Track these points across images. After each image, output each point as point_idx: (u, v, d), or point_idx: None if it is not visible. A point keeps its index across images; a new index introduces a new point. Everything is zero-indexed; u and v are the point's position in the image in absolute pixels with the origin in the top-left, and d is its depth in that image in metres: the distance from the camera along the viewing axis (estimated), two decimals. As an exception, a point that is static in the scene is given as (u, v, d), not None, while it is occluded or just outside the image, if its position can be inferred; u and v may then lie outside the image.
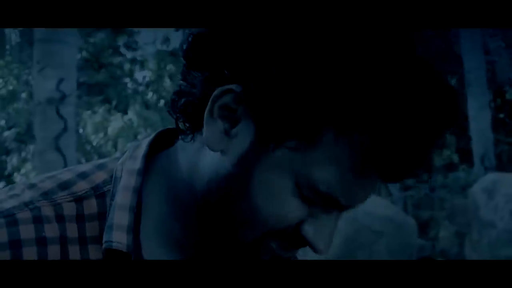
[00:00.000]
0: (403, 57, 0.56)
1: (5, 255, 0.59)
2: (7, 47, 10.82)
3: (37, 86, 4.94)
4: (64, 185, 0.64)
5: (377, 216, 5.16)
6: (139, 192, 0.64)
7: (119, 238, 0.61)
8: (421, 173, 0.60)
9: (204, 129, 0.60)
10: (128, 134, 10.57)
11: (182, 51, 0.62)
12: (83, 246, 0.62)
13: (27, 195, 0.62)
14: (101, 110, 11.04)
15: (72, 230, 0.62)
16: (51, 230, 0.61)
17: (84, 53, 11.30)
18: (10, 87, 10.95)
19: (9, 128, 10.72)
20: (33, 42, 5.13)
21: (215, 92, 0.59)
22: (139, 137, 10.41)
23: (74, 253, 0.61)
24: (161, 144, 0.68)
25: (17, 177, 9.84)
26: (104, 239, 0.61)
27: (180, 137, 0.64)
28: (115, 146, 10.61)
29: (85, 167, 0.66)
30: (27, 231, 0.60)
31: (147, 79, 11.87)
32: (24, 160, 10.35)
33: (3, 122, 10.65)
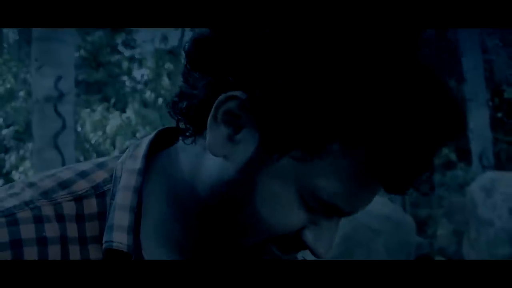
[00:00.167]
0: (411, 71, 0.56)
1: (6, 255, 0.59)
2: (5, 45, 10.80)
3: (35, 84, 4.93)
4: (64, 184, 0.63)
5: (375, 214, 5.16)
6: (139, 192, 0.64)
7: (119, 239, 0.61)
8: (423, 179, 0.60)
9: (208, 134, 0.60)
10: (127, 132, 10.56)
11: (185, 53, 0.62)
12: (83, 246, 0.62)
13: (27, 194, 0.62)
14: (99, 108, 11.03)
15: (72, 230, 0.62)
16: (51, 230, 0.61)
17: (82, 52, 11.28)
18: (8, 85, 10.93)
19: (8, 127, 10.70)
20: (31, 40, 5.12)
21: (220, 98, 0.58)
22: (137, 135, 10.40)
23: (74, 252, 0.61)
24: (162, 143, 0.67)
25: (15, 175, 9.82)
26: (104, 239, 0.61)
27: (181, 138, 0.64)
28: (113, 144, 10.60)
29: (85, 165, 0.66)
30: (27, 231, 0.60)
31: (145, 77, 11.86)
32: (22, 158, 10.34)
33: (1, 121, 10.63)
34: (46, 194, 0.62)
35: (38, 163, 4.83)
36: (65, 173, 0.65)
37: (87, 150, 10.40)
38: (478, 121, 8.54)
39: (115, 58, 11.87)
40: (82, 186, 0.64)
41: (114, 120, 10.84)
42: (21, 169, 9.93)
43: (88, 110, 10.95)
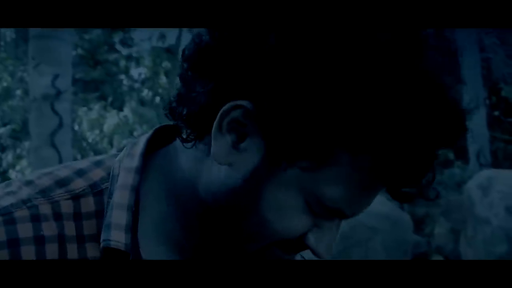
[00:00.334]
0: (416, 79, 0.56)
1: (3, 254, 0.59)
2: (2, 43, 10.78)
3: (32, 82, 4.93)
4: (62, 183, 0.63)
5: (373, 213, 5.16)
6: (137, 190, 0.63)
7: (117, 237, 0.61)
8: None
9: (212, 143, 0.59)
10: (124, 131, 10.56)
11: (185, 56, 0.61)
12: (81, 245, 0.62)
13: (24, 193, 0.62)
14: (96, 106, 11.02)
15: (69, 228, 0.62)
16: (49, 229, 0.61)
17: (80, 50, 11.27)
18: (5, 84, 10.91)
19: (4, 125, 10.69)
20: (28, 38, 5.11)
21: (225, 107, 0.58)
22: (135, 134, 10.39)
23: (72, 251, 0.61)
24: (159, 141, 0.67)
25: (12, 174, 9.81)
26: (102, 238, 0.61)
27: (181, 142, 0.63)
28: (110, 143, 10.60)
29: (82, 164, 0.66)
30: (25, 230, 0.60)
31: (142, 76, 11.85)
32: (19, 157, 10.33)
33: (-2, 119, 10.62)
34: (43, 192, 0.62)
35: (35, 162, 4.82)
36: (63, 171, 0.64)
37: (84, 149, 10.40)
38: (476, 119, 8.55)
39: (112, 56, 11.85)
40: (79, 184, 0.63)
41: (112, 119, 10.83)
42: (18, 167, 9.92)
43: (85, 108, 10.94)
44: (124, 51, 11.82)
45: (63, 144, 4.81)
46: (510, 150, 10.23)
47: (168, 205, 0.64)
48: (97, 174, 0.64)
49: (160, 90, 11.36)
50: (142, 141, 0.66)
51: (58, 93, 4.77)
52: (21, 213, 0.60)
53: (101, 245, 0.61)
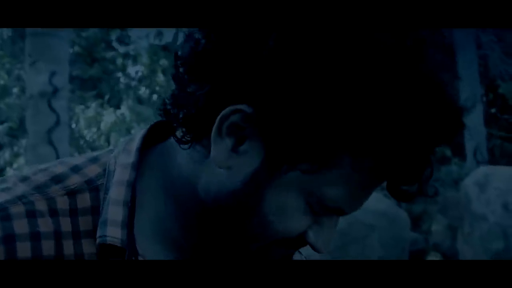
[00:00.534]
0: (416, 81, 0.56)
1: None
2: (-1, 41, 10.75)
3: (29, 80, 4.92)
4: (57, 179, 0.63)
5: (370, 210, 5.17)
6: (133, 186, 0.63)
7: (113, 233, 0.61)
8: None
9: (212, 147, 0.59)
10: (121, 129, 10.54)
11: (179, 58, 0.60)
12: (77, 240, 0.61)
13: (20, 189, 0.62)
14: (93, 104, 11.00)
15: (65, 225, 0.61)
16: (44, 225, 0.60)
17: (77, 48, 11.24)
18: (1, 82, 10.89)
19: (1, 123, 10.67)
20: (25, 36, 5.10)
21: (224, 112, 0.58)
22: (132, 132, 10.37)
23: (68, 247, 0.61)
24: (155, 137, 0.67)
25: (9, 172, 9.79)
26: (98, 234, 0.61)
27: (175, 141, 0.62)
28: (107, 140, 10.58)
29: (78, 160, 0.66)
30: (20, 226, 0.60)
31: (140, 74, 11.83)
32: (16, 155, 10.31)
33: (-5, 117, 10.59)
34: (39, 188, 0.62)
35: (32, 159, 4.82)
36: (58, 168, 0.64)
37: (82, 147, 10.38)
38: (473, 116, 8.56)
39: (109, 54, 11.83)
40: (75, 180, 0.63)
41: (109, 117, 10.82)
42: (15, 165, 9.90)
43: (82, 106, 10.92)
44: (121, 49, 11.80)
45: (60, 141, 4.80)
46: (507, 147, 10.25)
47: (165, 203, 0.64)
48: (93, 170, 0.64)
49: (157, 88, 11.35)
50: (138, 137, 0.66)
51: (55, 91, 4.77)
52: (17, 209, 0.60)
53: (97, 241, 0.61)
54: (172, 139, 0.65)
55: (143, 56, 11.57)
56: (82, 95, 11.08)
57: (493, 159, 9.37)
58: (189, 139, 0.61)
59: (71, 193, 0.63)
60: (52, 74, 4.75)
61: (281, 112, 0.56)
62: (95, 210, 0.63)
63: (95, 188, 0.63)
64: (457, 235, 6.09)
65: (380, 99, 0.56)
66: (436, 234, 6.66)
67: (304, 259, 0.74)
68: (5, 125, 10.60)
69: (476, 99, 8.65)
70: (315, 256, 0.68)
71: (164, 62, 11.22)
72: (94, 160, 0.66)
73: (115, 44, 11.71)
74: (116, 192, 0.62)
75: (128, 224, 0.62)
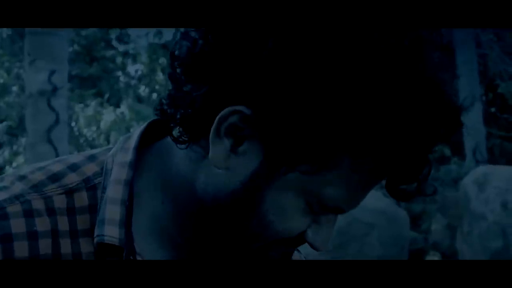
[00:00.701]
0: (416, 82, 0.56)
1: None
2: (-2, 40, 10.74)
3: (28, 78, 4.91)
4: (55, 177, 0.63)
5: (370, 209, 5.17)
6: (130, 185, 0.63)
7: (111, 232, 0.61)
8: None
9: (210, 148, 0.59)
10: (121, 127, 10.54)
11: (175, 58, 0.60)
12: (74, 240, 0.61)
13: (17, 188, 0.62)
14: (93, 103, 11.00)
15: (63, 223, 0.61)
16: (42, 224, 0.60)
17: (76, 46, 11.24)
18: (1, 80, 10.88)
19: (1, 122, 10.66)
20: (24, 34, 5.10)
21: (223, 113, 0.57)
22: (131, 130, 10.35)
23: (65, 246, 0.61)
24: (153, 134, 0.67)
25: (9, 170, 9.79)
26: (96, 233, 0.61)
27: (172, 141, 0.62)
28: (107, 139, 10.58)
29: (75, 158, 0.65)
30: (18, 225, 0.60)
31: (139, 72, 11.82)
32: (16, 154, 10.30)
33: (-6, 116, 10.59)
34: (36, 187, 0.62)
35: (32, 158, 4.82)
36: (56, 166, 0.64)
37: (81, 145, 10.38)
38: (472, 116, 8.56)
39: (109, 53, 11.82)
40: (72, 179, 0.63)
41: (108, 115, 10.81)
42: (14, 164, 9.90)
43: (82, 105, 10.92)
44: (121, 48, 11.79)
45: (60, 140, 4.80)
46: (506, 146, 10.25)
47: (163, 202, 0.64)
48: (91, 168, 0.64)
49: (157, 87, 11.34)
50: (135, 135, 0.66)
51: (55, 89, 4.76)
52: (14, 208, 0.60)
53: (95, 240, 0.61)
54: (170, 138, 0.64)
55: (143, 55, 11.56)
56: (82, 94, 11.07)
57: (493, 159, 9.37)
58: (186, 139, 0.61)
59: (69, 192, 0.62)
60: (52, 72, 4.75)
61: (280, 114, 0.56)
62: (93, 209, 0.62)
63: (93, 186, 0.63)
64: (456, 234, 6.10)
65: (379, 99, 0.56)
66: (436, 233, 6.66)
67: (303, 258, 0.74)
68: (5, 123, 10.60)
69: (475, 98, 8.65)
70: (314, 255, 0.68)
71: (163, 60, 11.21)
72: (91, 158, 0.65)
73: (114, 42, 11.70)
74: (114, 191, 0.62)
75: (126, 223, 0.62)
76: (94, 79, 11.47)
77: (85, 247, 0.61)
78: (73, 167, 0.64)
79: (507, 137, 10.27)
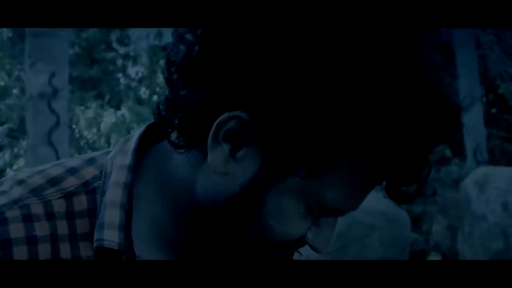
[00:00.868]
0: (414, 82, 0.56)
1: None
2: (-1, 42, 10.75)
3: (29, 81, 4.91)
4: (54, 181, 0.63)
5: (370, 210, 5.17)
6: (130, 188, 0.63)
7: (110, 237, 0.61)
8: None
9: (209, 154, 0.59)
10: (121, 129, 10.54)
11: (172, 62, 0.60)
12: (74, 244, 0.61)
13: (16, 192, 0.61)
14: (93, 105, 11.01)
15: (62, 228, 0.61)
16: (41, 228, 0.60)
17: (77, 48, 11.24)
18: (2, 83, 10.89)
19: (1, 124, 10.67)
20: (24, 36, 5.10)
21: (221, 118, 0.57)
22: (132, 132, 10.35)
23: (65, 250, 0.61)
24: (153, 136, 0.66)
25: (9, 173, 9.79)
26: (95, 237, 0.61)
27: (170, 146, 0.62)
28: (108, 141, 10.58)
29: (74, 161, 0.65)
30: (17, 230, 0.59)
31: (140, 74, 11.83)
32: (16, 156, 10.31)
33: (-5, 118, 10.59)
34: (35, 191, 0.62)
35: (32, 160, 4.82)
36: (55, 170, 0.64)
37: (82, 147, 10.38)
38: (473, 116, 8.56)
39: (109, 55, 11.83)
40: (71, 183, 0.63)
41: (109, 117, 10.82)
42: (15, 166, 9.90)
43: (82, 107, 10.92)
44: (121, 50, 11.80)
45: (60, 142, 4.80)
46: (507, 147, 10.25)
47: (162, 205, 0.63)
48: (89, 172, 0.64)
49: (157, 89, 11.34)
50: (134, 137, 0.65)
51: (55, 92, 4.77)
52: (13, 213, 0.60)
53: (94, 244, 0.61)
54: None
55: (143, 57, 11.57)
56: (82, 96, 11.08)
57: (493, 159, 9.37)
58: (184, 143, 0.61)
59: (68, 196, 0.62)
60: (52, 75, 4.75)
61: (278, 118, 0.56)
62: (92, 213, 0.62)
63: (92, 190, 0.63)
64: (457, 235, 6.09)
65: (378, 102, 0.55)
66: (436, 234, 6.65)
67: (304, 259, 0.74)
68: (5, 126, 10.60)
69: (475, 98, 8.64)
70: (315, 256, 0.68)
71: (164, 62, 11.19)
72: (90, 161, 0.65)
73: (115, 44, 11.71)
74: (113, 194, 0.62)
75: (126, 226, 0.62)
76: (94, 81, 11.48)
77: (85, 251, 0.61)
78: (72, 171, 0.64)
79: (508, 138, 10.26)
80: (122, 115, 10.94)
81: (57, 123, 4.76)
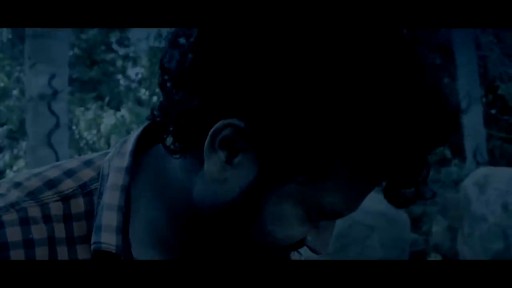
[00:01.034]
0: (413, 86, 0.56)
1: None
2: (-1, 43, 10.75)
3: (28, 82, 4.91)
4: (51, 184, 0.62)
5: (370, 211, 5.16)
6: (127, 190, 0.63)
7: (108, 240, 0.60)
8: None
9: (205, 162, 0.58)
10: (121, 130, 10.54)
11: (165, 69, 0.59)
12: (71, 247, 0.61)
13: (13, 195, 0.61)
14: (93, 106, 11.00)
15: (59, 231, 0.61)
16: (38, 232, 0.60)
17: (76, 50, 11.25)
18: (1, 84, 10.89)
19: (1, 125, 10.67)
20: (24, 38, 5.10)
21: (216, 126, 0.57)
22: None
23: (62, 253, 0.61)
24: (150, 138, 0.66)
25: (9, 174, 9.79)
26: (92, 240, 0.61)
27: (166, 151, 0.61)
28: (107, 142, 10.58)
29: (72, 163, 0.65)
30: (13, 234, 0.59)
31: (139, 75, 11.83)
32: (16, 157, 10.31)
33: (-5, 119, 10.59)
34: (32, 194, 0.61)
35: (32, 162, 4.82)
36: (52, 172, 0.64)
37: (82, 149, 10.38)
38: (472, 117, 8.56)
39: (109, 56, 11.83)
40: (68, 185, 0.63)
41: (109, 119, 10.82)
42: (15, 168, 9.90)
43: (82, 108, 10.92)
44: (121, 51, 11.80)
45: (60, 144, 4.80)
46: (506, 148, 10.25)
47: (160, 208, 0.63)
48: (87, 174, 0.64)
49: (157, 90, 11.31)
50: (132, 139, 0.65)
51: (55, 93, 4.77)
52: (10, 216, 0.60)
53: (92, 247, 0.60)
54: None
55: (143, 58, 11.57)
56: (82, 97, 11.08)
57: (493, 160, 9.37)
58: (177, 149, 0.60)
59: (65, 199, 0.62)
60: (52, 76, 4.75)
61: (273, 126, 0.55)
62: (89, 215, 0.62)
63: (89, 192, 0.63)
64: (457, 236, 6.09)
65: (375, 106, 0.55)
66: (436, 235, 6.65)
67: (304, 259, 0.74)
68: (5, 127, 10.60)
69: (473, 100, 8.64)
70: (315, 256, 0.68)
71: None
72: (88, 163, 0.65)
73: (114, 46, 11.72)
74: (110, 197, 0.62)
75: (123, 229, 0.61)
76: (94, 83, 11.48)
77: (82, 254, 0.61)
78: (69, 173, 0.64)
79: (508, 139, 10.26)
80: (122, 116, 10.94)
81: (57, 125, 4.76)
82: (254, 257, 0.62)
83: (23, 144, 9.54)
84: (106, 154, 0.66)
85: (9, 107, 10.74)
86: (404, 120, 0.56)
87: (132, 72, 11.92)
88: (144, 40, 11.04)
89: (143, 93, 11.74)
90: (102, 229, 0.61)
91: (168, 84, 0.59)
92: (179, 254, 0.64)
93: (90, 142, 10.70)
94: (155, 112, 0.61)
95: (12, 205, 0.60)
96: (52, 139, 4.74)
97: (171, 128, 0.59)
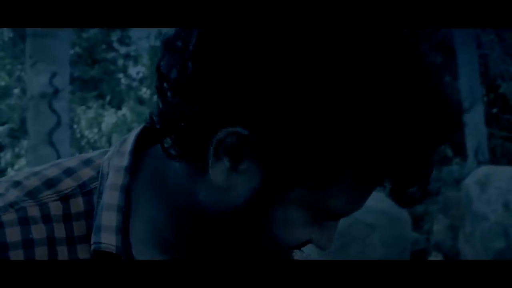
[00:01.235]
0: (414, 86, 0.56)
1: None
2: (0, 42, 10.76)
3: (30, 81, 4.92)
4: (50, 183, 0.62)
5: (371, 210, 5.16)
6: (127, 190, 0.62)
7: (108, 240, 0.60)
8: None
9: (210, 169, 0.58)
10: (122, 129, 10.54)
11: (163, 75, 0.58)
12: (71, 247, 0.61)
13: (12, 195, 0.61)
14: (94, 105, 11.01)
15: (59, 230, 0.61)
16: (38, 232, 0.60)
17: (77, 48, 11.25)
18: (3, 83, 10.90)
19: (2, 124, 10.68)
20: (25, 37, 5.10)
21: (220, 135, 0.56)
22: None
23: (62, 253, 0.60)
24: (150, 137, 0.65)
25: (11, 173, 9.80)
26: (92, 240, 0.60)
27: (167, 157, 0.60)
28: (109, 141, 10.58)
29: (71, 162, 0.64)
30: (13, 234, 0.59)
31: (141, 74, 11.83)
32: (17, 156, 10.31)
33: (-4, 118, 10.60)
34: (31, 194, 0.61)
35: (33, 160, 4.82)
36: (51, 171, 0.63)
37: (83, 147, 10.38)
38: (474, 116, 8.55)
39: (110, 55, 11.84)
40: (68, 184, 0.62)
41: (110, 117, 10.82)
42: (16, 166, 9.91)
43: (83, 107, 10.93)
44: (122, 50, 11.81)
45: (61, 142, 4.80)
46: (508, 146, 10.24)
47: (161, 209, 0.63)
48: (86, 173, 0.63)
49: (158, 89, 11.31)
50: (131, 138, 0.64)
51: (56, 92, 4.77)
52: (9, 216, 0.59)
53: (92, 247, 0.60)
54: None
55: (144, 57, 11.57)
56: (83, 96, 11.08)
57: (494, 159, 9.36)
58: (177, 154, 0.59)
59: (64, 198, 0.62)
60: (53, 75, 4.75)
61: (277, 133, 0.55)
62: (89, 215, 0.62)
63: (89, 191, 0.62)
64: (459, 234, 6.09)
65: (379, 108, 0.55)
66: (437, 234, 6.65)
67: (305, 257, 0.74)
68: (6, 126, 10.61)
69: (475, 99, 8.64)
70: (315, 255, 0.69)
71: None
72: (87, 162, 0.64)
73: (116, 45, 11.72)
74: (110, 197, 0.61)
75: (123, 229, 0.61)
76: (95, 81, 11.48)
77: (82, 253, 0.61)
78: (69, 172, 0.63)
79: (509, 138, 10.26)
80: (123, 115, 10.94)
81: (58, 123, 4.76)
82: (256, 257, 0.62)
83: (24, 142, 9.55)
84: (105, 152, 0.65)
85: (10, 106, 10.75)
86: (408, 119, 0.56)
87: (133, 71, 11.92)
88: (145, 39, 11.04)
89: (144, 92, 11.74)
90: (102, 230, 0.60)
91: (169, 94, 0.58)
92: (180, 254, 0.64)
93: (91, 141, 10.71)
94: (154, 118, 0.61)
95: (11, 204, 0.60)
96: (53, 138, 4.74)
97: (173, 136, 0.59)
